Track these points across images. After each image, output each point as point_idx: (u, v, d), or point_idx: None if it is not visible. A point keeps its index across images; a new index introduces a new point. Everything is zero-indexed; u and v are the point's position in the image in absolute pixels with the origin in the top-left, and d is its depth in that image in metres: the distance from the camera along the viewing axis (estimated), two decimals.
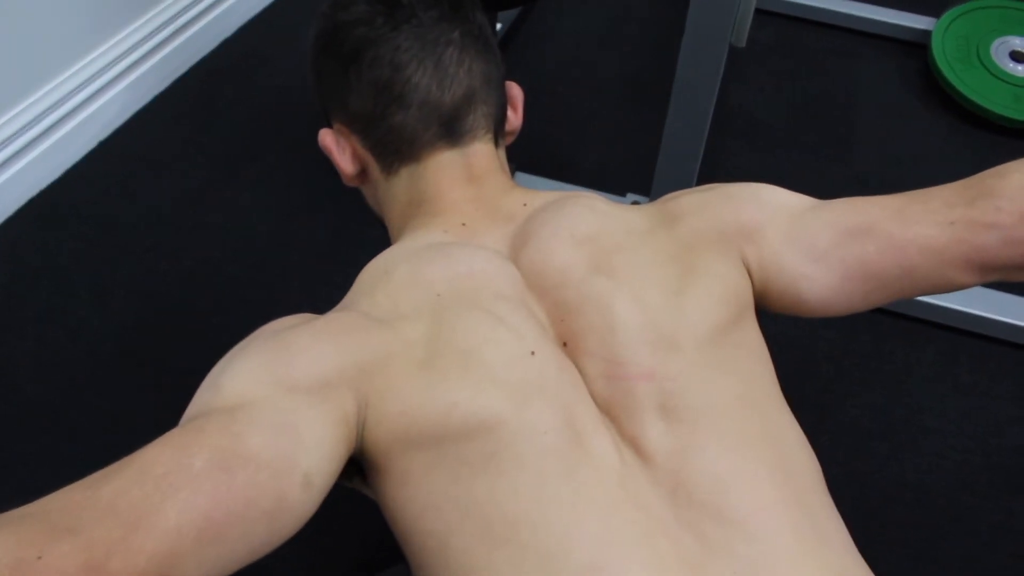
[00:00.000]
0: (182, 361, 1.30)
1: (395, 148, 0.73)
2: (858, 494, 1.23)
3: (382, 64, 0.70)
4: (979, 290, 1.46)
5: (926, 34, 2.03)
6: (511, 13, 2.00)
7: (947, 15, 2.02)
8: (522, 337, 0.59)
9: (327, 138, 0.76)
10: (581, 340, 0.61)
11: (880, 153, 1.80)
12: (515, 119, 0.80)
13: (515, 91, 0.79)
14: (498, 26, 1.89)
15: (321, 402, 0.55)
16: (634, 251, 0.65)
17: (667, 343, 0.61)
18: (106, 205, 1.57)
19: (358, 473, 0.63)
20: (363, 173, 0.77)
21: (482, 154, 0.74)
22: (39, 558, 0.40)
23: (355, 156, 0.76)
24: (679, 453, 0.57)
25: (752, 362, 0.64)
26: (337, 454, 0.54)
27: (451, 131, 0.72)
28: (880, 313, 1.47)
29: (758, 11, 2.16)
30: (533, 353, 0.59)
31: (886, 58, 2.07)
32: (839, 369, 1.40)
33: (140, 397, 1.26)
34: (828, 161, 1.77)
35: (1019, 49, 1.95)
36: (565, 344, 0.62)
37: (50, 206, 1.57)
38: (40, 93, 1.56)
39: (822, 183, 1.71)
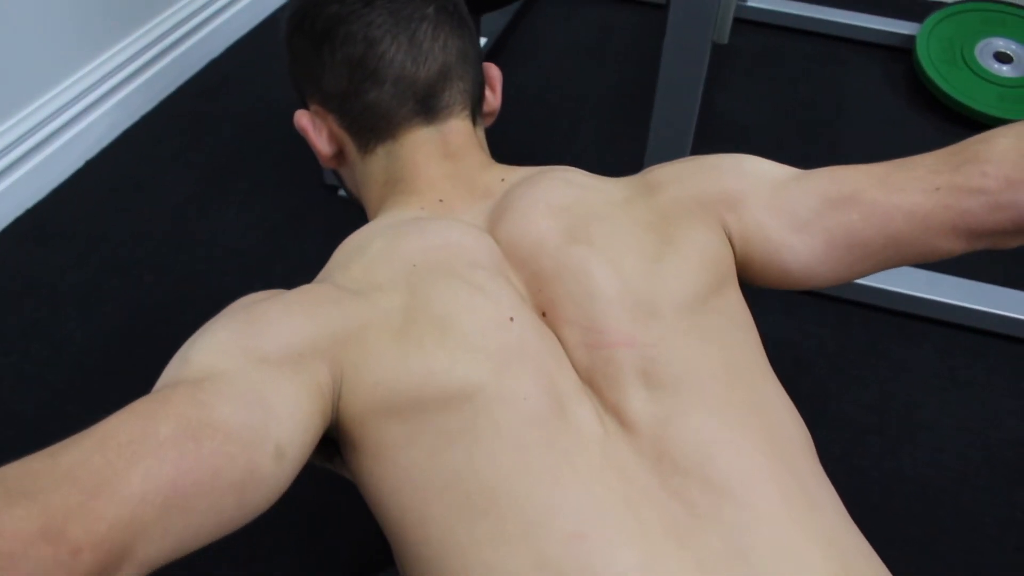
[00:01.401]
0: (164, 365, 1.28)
1: (371, 126, 0.72)
2: (857, 489, 1.21)
3: (355, 40, 0.70)
4: (974, 284, 1.45)
5: (910, 39, 2.04)
6: (497, 25, 2.01)
7: (930, 19, 2.03)
8: (499, 304, 0.58)
9: (303, 119, 0.75)
10: (560, 308, 0.60)
11: (869, 156, 1.79)
12: (493, 100, 0.79)
13: (493, 71, 0.79)
14: (483, 40, 1.90)
15: (293, 373, 0.53)
16: (612, 220, 0.64)
17: (647, 310, 0.59)
18: (93, 223, 1.56)
19: (339, 454, 0.62)
20: (340, 155, 0.76)
21: (459, 131, 0.73)
22: None
23: (331, 137, 0.75)
24: (662, 421, 0.56)
25: (735, 329, 0.63)
26: (311, 426, 0.53)
27: (427, 107, 0.71)
28: (874, 310, 1.46)
29: (745, 21, 2.17)
30: (512, 319, 0.58)
31: (872, 64, 2.08)
32: (833, 366, 1.38)
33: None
34: (816, 165, 1.76)
35: (1003, 50, 1.96)
36: (544, 314, 0.61)
37: (37, 224, 1.55)
38: (27, 111, 1.56)
39: None
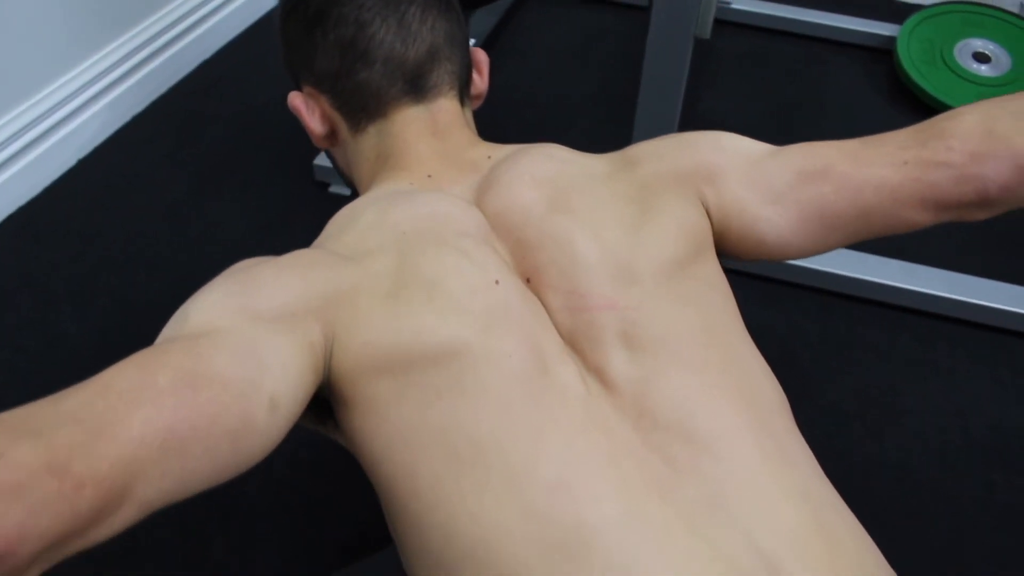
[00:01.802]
0: None
1: (362, 105, 0.74)
2: (840, 474, 1.21)
3: (346, 22, 0.72)
4: (953, 274, 1.48)
5: (891, 40, 2.08)
6: (486, 26, 2.04)
7: (910, 20, 2.07)
8: (485, 268, 0.60)
9: (296, 100, 0.78)
10: (543, 275, 0.62)
11: None
12: (480, 83, 0.81)
13: (480, 55, 0.81)
14: (471, 41, 1.92)
15: (287, 331, 0.55)
16: (593, 192, 0.67)
17: (627, 275, 0.62)
18: (86, 219, 1.58)
19: (331, 417, 0.64)
20: (332, 135, 0.78)
21: (447, 110, 0.75)
22: (1, 456, 0.40)
23: (324, 117, 0.77)
24: (642, 380, 0.58)
25: (712, 294, 0.65)
26: (304, 381, 0.55)
27: (416, 87, 0.74)
28: (855, 300, 1.49)
29: (729, 23, 2.21)
30: (497, 282, 0.60)
31: (854, 64, 2.11)
32: (816, 355, 1.41)
33: None
34: None
35: (981, 50, 2.00)
36: (528, 280, 0.63)
37: (31, 220, 1.57)
38: (21, 109, 1.58)
39: None
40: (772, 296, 1.48)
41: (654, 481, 0.53)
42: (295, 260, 0.61)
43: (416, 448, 0.55)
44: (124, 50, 1.79)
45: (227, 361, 0.51)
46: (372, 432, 0.57)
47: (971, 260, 1.57)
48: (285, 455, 1.22)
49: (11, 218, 1.57)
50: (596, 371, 0.58)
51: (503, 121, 1.82)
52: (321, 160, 1.66)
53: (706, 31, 1.29)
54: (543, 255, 0.63)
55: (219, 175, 1.70)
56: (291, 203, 1.63)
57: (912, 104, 1.97)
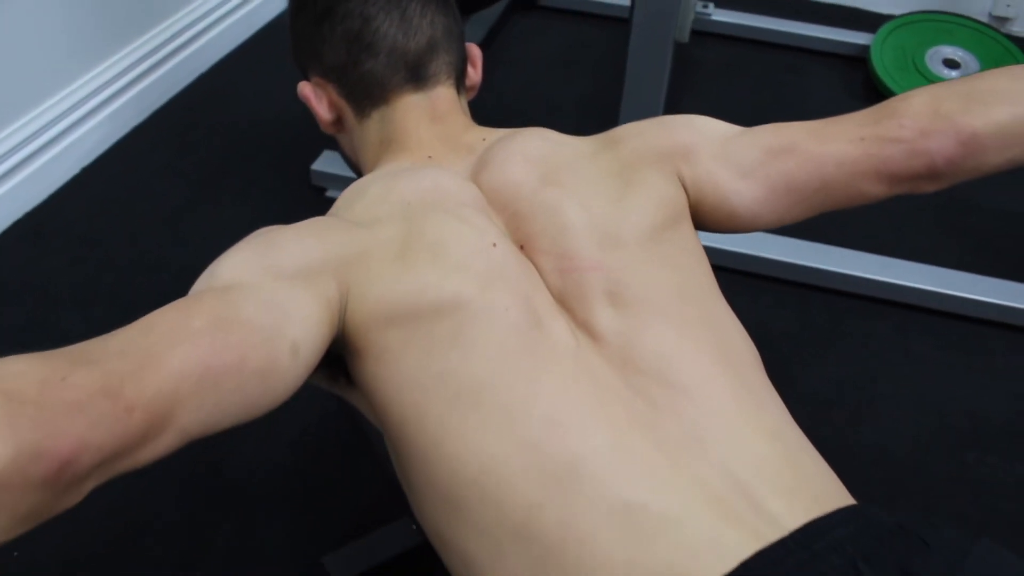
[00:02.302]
0: None
1: (367, 93, 0.80)
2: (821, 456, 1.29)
3: (353, 17, 0.78)
4: (928, 267, 1.54)
5: (865, 48, 2.16)
6: (475, 37, 2.10)
7: (883, 29, 2.15)
8: (484, 233, 0.66)
9: (306, 88, 0.83)
10: (536, 241, 0.68)
11: None
12: (475, 75, 0.87)
13: (475, 51, 0.87)
14: None
15: (306, 285, 0.61)
16: (580, 168, 0.73)
17: (612, 240, 0.67)
18: (89, 224, 1.63)
19: (344, 375, 0.69)
20: (339, 122, 0.84)
21: (445, 97, 0.81)
22: (63, 379, 0.45)
23: (331, 105, 0.83)
24: (626, 333, 0.63)
25: (689, 259, 0.71)
26: (321, 332, 0.60)
27: (416, 76, 0.80)
28: (834, 293, 1.55)
29: (710, 34, 2.28)
30: (495, 245, 0.65)
31: (831, 72, 2.19)
32: (797, 345, 1.46)
33: None
34: None
35: (951, 57, 2.08)
36: (522, 247, 0.69)
37: (36, 226, 1.62)
38: (25, 120, 1.63)
39: None
40: (755, 289, 1.54)
41: (637, 419, 0.59)
42: (312, 225, 0.67)
43: (422, 391, 0.60)
44: (123, 64, 1.84)
45: (254, 310, 0.56)
46: (383, 378, 0.62)
47: (946, 254, 1.63)
48: (287, 443, 1.27)
49: (17, 223, 1.62)
50: (584, 326, 0.64)
51: (494, 126, 1.88)
52: (318, 165, 1.72)
53: (684, 35, 1.35)
54: (535, 224, 0.68)
55: (218, 182, 1.75)
56: (289, 207, 1.68)
57: None
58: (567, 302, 0.65)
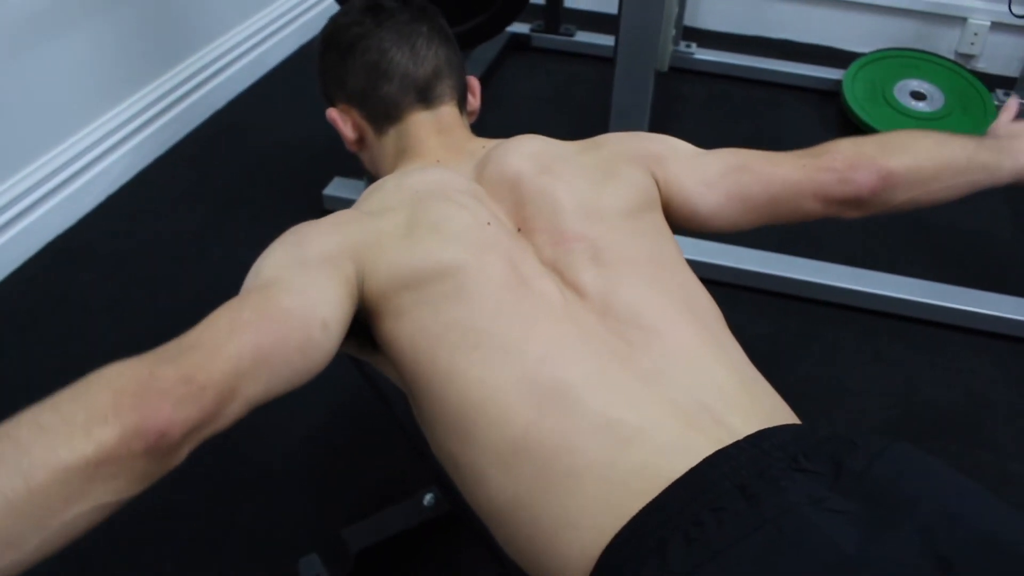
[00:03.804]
0: None
1: (384, 112, 0.96)
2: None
3: (371, 50, 0.95)
4: (895, 277, 1.67)
5: (837, 83, 2.31)
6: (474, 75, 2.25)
7: (854, 65, 2.31)
8: (478, 215, 0.80)
9: (333, 113, 0.99)
10: (532, 222, 0.81)
11: None
12: (474, 102, 1.04)
13: (474, 82, 1.04)
14: None
15: (329, 270, 0.75)
16: (568, 161, 0.87)
17: (595, 216, 0.81)
18: (116, 244, 1.76)
19: (368, 344, 0.81)
20: (361, 140, 1.00)
21: (449, 114, 0.97)
22: (151, 374, 0.59)
23: (355, 126, 0.99)
24: (606, 287, 0.76)
25: (659, 235, 0.85)
26: (344, 307, 0.74)
27: (424, 97, 0.95)
28: (807, 301, 1.67)
29: (692, 72, 2.44)
30: (488, 224, 0.79)
31: (805, 105, 2.34)
32: (771, 348, 1.58)
33: None
34: None
35: (917, 89, 2.23)
36: (520, 229, 0.81)
37: (68, 246, 1.75)
38: (56, 151, 1.77)
39: None
40: (732, 300, 1.66)
41: (615, 354, 0.71)
42: (333, 219, 0.81)
43: (434, 338, 0.73)
44: (145, 101, 1.99)
45: (290, 300, 0.70)
46: (400, 331, 0.75)
47: (912, 264, 1.76)
48: (306, 429, 1.38)
49: (50, 244, 1.75)
50: (572, 285, 0.77)
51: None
52: (330, 191, 1.85)
53: (664, 65, 1.50)
54: (532, 208, 0.82)
55: (234, 207, 1.88)
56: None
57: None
58: (558, 267, 0.78)
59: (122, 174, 1.92)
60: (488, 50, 2.40)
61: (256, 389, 0.65)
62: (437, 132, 0.95)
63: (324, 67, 1.01)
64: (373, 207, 0.83)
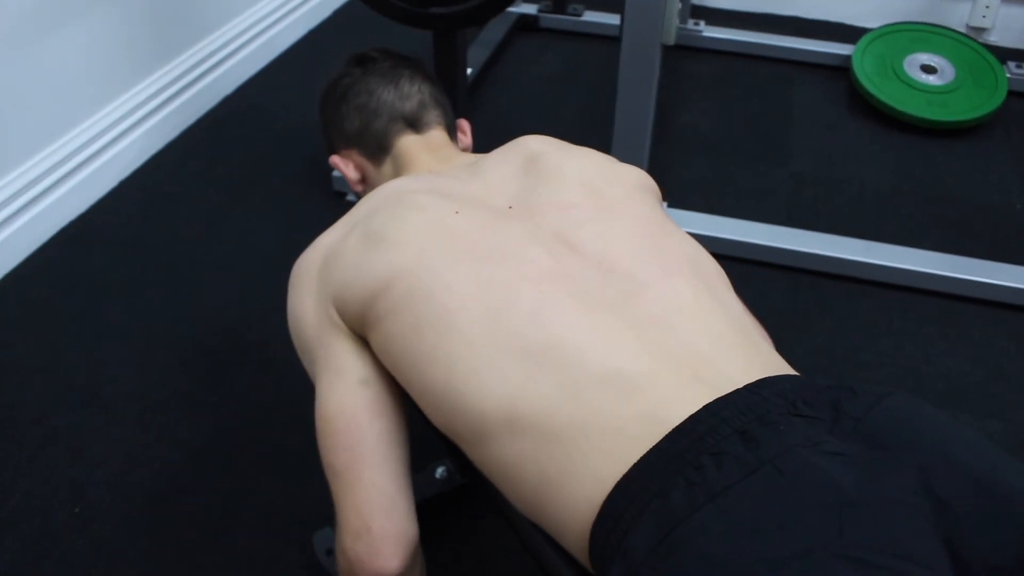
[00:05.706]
0: (200, 341, 1.50)
1: (378, 145, 1.05)
2: None
3: (361, 93, 1.06)
4: (907, 249, 1.67)
5: (847, 58, 2.30)
6: (480, 57, 2.25)
7: (863, 40, 2.29)
8: (440, 209, 0.82)
9: (335, 159, 1.09)
10: (540, 198, 0.85)
11: (814, 155, 2.04)
12: (465, 139, 1.14)
13: (463, 122, 1.13)
14: (468, 71, 2.13)
15: (328, 337, 0.83)
16: (569, 151, 0.92)
17: (596, 191, 0.85)
18: (130, 228, 1.77)
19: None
20: (364, 180, 1.08)
21: (438, 136, 1.06)
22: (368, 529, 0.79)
23: (356, 166, 1.08)
24: (604, 245, 0.78)
25: (658, 211, 0.87)
26: (356, 350, 0.82)
27: (413, 125, 1.05)
28: (820, 275, 1.67)
29: (702, 50, 2.43)
30: (457, 213, 0.82)
31: (815, 81, 2.33)
32: (785, 321, 1.58)
33: (166, 373, 1.44)
34: (769, 164, 2.00)
35: (927, 63, 2.22)
36: (511, 207, 0.85)
37: (83, 230, 1.77)
38: (70, 136, 1.78)
39: (764, 181, 1.93)
40: (745, 274, 1.66)
41: (610, 306, 0.73)
42: (305, 278, 0.91)
43: (415, 333, 0.76)
44: (157, 85, 2.00)
45: (340, 389, 0.83)
46: (387, 337, 0.79)
47: (923, 238, 1.76)
48: None
49: (66, 228, 1.76)
50: (570, 245, 0.79)
51: (495, 140, 2.02)
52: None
53: (670, 38, 1.49)
54: (540, 186, 0.86)
55: (246, 189, 1.89)
56: (311, 209, 1.82)
57: (867, 111, 2.18)
58: (561, 232, 0.79)
59: (135, 159, 1.94)
60: (495, 31, 2.40)
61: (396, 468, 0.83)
62: (428, 150, 1.04)
63: (324, 119, 1.12)
64: (361, 210, 0.89)
